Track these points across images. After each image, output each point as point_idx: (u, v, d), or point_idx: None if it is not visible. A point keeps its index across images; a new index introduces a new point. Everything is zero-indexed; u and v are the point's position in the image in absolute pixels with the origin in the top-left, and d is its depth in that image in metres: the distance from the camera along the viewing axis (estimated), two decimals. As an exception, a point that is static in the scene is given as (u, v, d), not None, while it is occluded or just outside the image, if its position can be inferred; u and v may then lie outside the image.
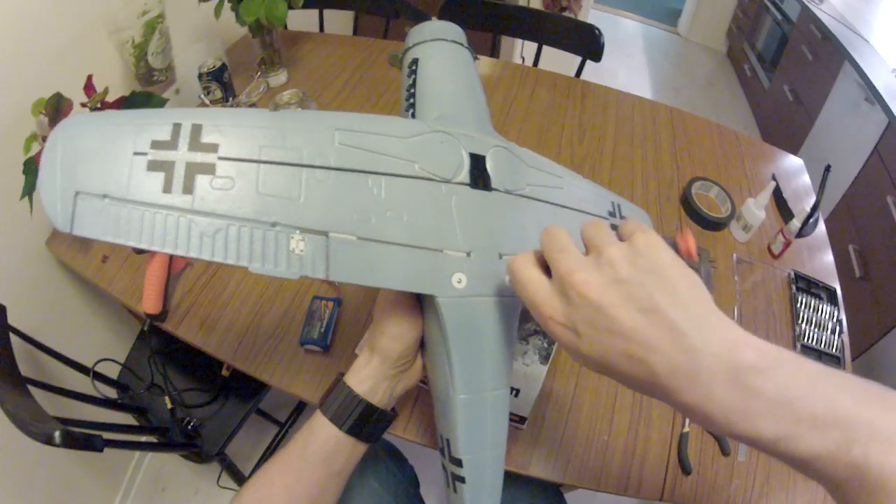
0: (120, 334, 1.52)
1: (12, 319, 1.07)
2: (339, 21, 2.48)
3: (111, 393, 1.30)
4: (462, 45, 0.67)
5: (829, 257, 1.14)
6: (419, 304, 0.58)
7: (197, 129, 0.45)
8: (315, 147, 0.49)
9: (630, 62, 3.76)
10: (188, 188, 0.44)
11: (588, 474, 0.80)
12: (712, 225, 1.14)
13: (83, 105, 1.07)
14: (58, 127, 0.43)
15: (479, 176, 0.56)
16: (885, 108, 1.85)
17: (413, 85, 0.63)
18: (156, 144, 0.44)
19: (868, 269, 1.87)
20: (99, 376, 1.24)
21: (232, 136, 0.46)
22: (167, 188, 0.43)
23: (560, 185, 0.64)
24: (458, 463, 0.55)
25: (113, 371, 1.35)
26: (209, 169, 0.45)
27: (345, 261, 0.47)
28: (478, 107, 0.64)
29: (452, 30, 0.68)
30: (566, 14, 2.60)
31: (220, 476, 1.46)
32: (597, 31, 1.56)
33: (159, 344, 1.33)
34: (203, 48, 1.46)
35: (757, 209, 1.08)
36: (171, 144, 0.44)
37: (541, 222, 0.47)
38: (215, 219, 0.44)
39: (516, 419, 0.81)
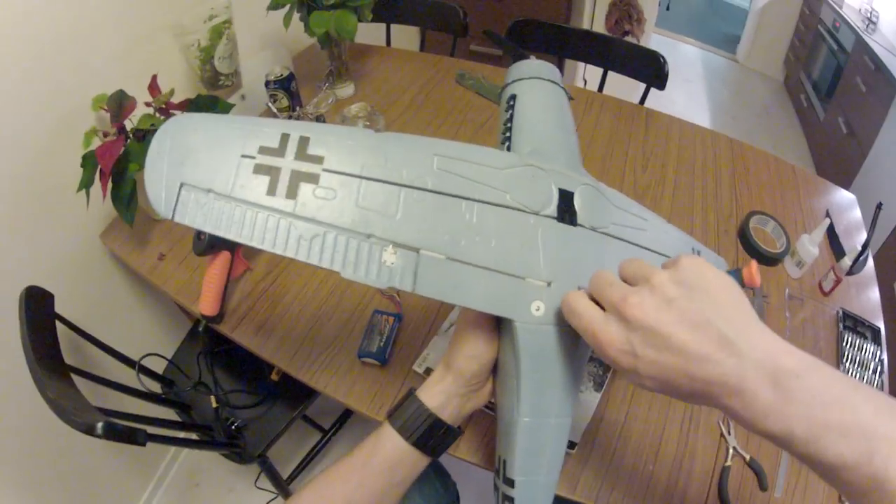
0: (167, 331, 1.55)
1: (60, 308, 1.09)
2: (406, 36, 2.52)
3: (155, 387, 1.32)
4: (558, 84, 0.69)
5: (875, 295, 1.11)
6: (497, 327, 0.59)
7: (304, 141, 0.48)
8: (414, 169, 0.52)
9: (689, 88, 3.71)
10: (292, 194, 0.47)
11: (631, 502, 0.80)
12: (768, 260, 1.12)
13: (147, 104, 1.09)
14: (169, 121, 0.47)
15: (566, 211, 0.57)
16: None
17: (510, 119, 0.65)
18: (264, 150, 0.47)
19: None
20: (144, 370, 1.26)
21: (337, 150, 0.49)
22: (271, 191, 0.46)
23: (644, 228, 0.65)
24: (511, 483, 0.56)
25: (157, 367, 1.36)
26: (313, 178, 0.48)
27: (432, 277, 0.50)
28: (569, 145, 0.65)
29: (550, 70, 0.70)
30: (628, 38, 2.60)
31: (258, 477, 1.47)
32: (661, 59, 1.53)
33: (209, 344, 1.34)
34: (270, 56, 1.49)
35: (811, 245, 1.06)
36: (279, 152, 0.47)
37: (621, 260, 0.48)
38: (315, 225, 0.47)
39: (567, 444, 0.81)
